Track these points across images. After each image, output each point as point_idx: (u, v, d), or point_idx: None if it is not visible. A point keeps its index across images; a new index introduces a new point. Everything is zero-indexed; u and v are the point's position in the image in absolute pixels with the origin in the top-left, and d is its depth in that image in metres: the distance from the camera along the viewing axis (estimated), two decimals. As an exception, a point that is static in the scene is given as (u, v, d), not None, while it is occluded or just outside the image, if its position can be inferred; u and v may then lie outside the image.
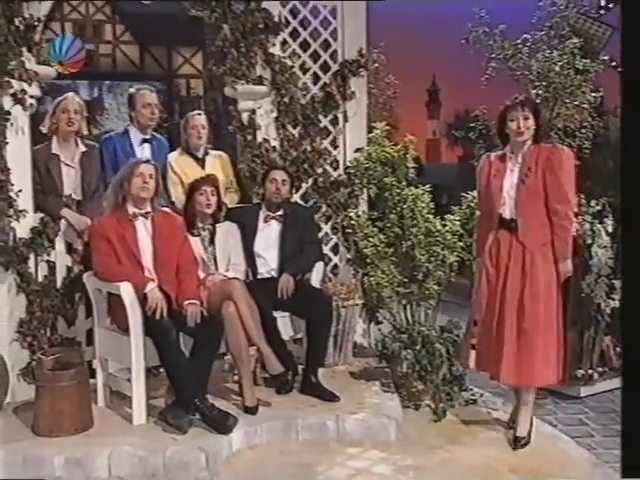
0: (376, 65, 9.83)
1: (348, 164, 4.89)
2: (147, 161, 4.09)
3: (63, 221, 4.30)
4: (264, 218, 4.49)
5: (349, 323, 4.73)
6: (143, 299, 3.83)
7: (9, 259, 4.12)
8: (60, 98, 4.46)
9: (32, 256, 4.23)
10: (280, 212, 4.49)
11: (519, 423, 3.91)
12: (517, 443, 3.86)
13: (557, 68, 5.13)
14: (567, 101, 5.12)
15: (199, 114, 4.94)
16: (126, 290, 3.82)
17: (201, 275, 4.21)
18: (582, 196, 5.06)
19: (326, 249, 5.04)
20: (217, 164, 4.87)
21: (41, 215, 4.25)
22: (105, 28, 11.39)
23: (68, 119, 4.41)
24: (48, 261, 4.30)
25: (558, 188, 3.73)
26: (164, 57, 11.74)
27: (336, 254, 5.06)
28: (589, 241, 4.86)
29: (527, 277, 3.77)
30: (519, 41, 5.17)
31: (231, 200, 4.80)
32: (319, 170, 4.97)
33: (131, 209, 4.01)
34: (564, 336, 3.86)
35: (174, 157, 4.83)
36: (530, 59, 5.16)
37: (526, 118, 3.75)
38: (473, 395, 4.46)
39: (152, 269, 4.00)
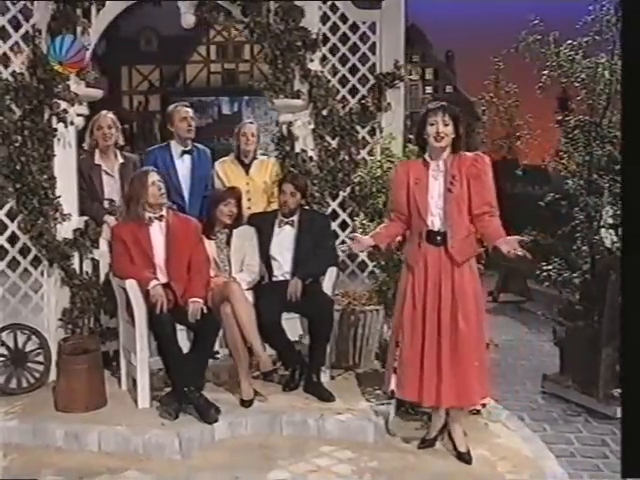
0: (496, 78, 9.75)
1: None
2: (152, 170, 4.47)
3: (106, 225, 4.80)
4: (279, 223, 4.71)
5: (369, 328, 4.84)
6: (147, 295, 4.24)
7: (53, 256, 4.71)
8: (95, 117, 4.95)
9: (76, 254, 4.79)
10: (293, 218, 4.68)
11: (457, 440, 3.84)
12: (464, 458, 3.78)
13: (606, 74, 4.87)
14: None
15: (251, 123, 5.30)
16: (131, 286, 4.23)
17: (212, 275, 4.54)
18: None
19: (362, 255, 5.18)
20: (262, 169, 5.14)
21: (85, 218, 4.80)
22: (244, 49, 12.17)
23: (103, 135, 4.93)
24: (92, 259, 4.85)
25: (486, 194, 3.66)
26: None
27: (373, 261, 5.18)
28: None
29: (458, 295, 3.67)
30: (563, 47, 4.95)
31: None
32: (356, 179, 5.12)
33: (147, 214, 4.39)
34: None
35: (220, 163, 5.22)
36: (578, 66, 4.92)
37: (446, 124, 3.65)
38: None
39: (164, 267, 4.39)
